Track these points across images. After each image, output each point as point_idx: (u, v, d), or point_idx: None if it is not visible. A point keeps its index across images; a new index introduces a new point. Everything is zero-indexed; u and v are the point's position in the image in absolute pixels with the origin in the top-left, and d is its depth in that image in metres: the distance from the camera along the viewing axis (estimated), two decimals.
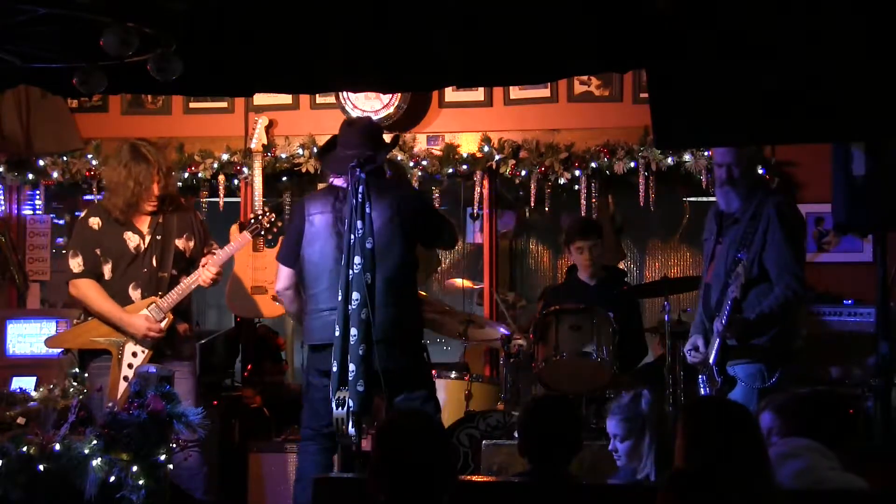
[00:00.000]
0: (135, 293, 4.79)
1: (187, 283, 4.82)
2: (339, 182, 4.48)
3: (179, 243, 4.87)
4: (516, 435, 3.81)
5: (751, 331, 4.40)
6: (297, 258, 4.48)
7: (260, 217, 5.05)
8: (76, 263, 4.81)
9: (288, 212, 5.86)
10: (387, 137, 4.77)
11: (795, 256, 4.47)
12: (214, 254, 4.92)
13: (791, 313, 4.51)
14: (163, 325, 4.75)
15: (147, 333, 4.71)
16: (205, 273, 4.82)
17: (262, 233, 5.04)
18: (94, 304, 4.79)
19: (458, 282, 6.39)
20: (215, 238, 5.14)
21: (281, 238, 5.01)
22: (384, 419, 3.76)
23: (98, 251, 4.81)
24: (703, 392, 4.60)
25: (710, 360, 4.47)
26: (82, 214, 5.00)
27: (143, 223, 4.85)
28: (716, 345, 4.43)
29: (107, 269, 4.81)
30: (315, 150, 6.16)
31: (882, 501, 3.38)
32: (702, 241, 4.88)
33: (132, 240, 4.81)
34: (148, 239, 4.82)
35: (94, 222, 4.85)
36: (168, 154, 4.99)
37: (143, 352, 4.74)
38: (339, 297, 4.13)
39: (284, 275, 4.56)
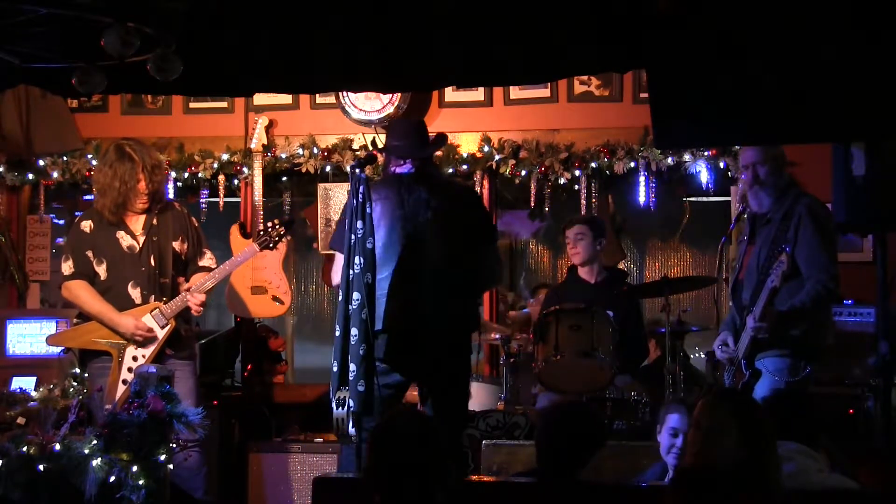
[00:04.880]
0: (134, 291, 4.80)
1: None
2: (401, 169, 4.44)
3: (176, 245, 4.89)
4: (536, 437, 3.75)
5: (782, 323, 4.40)
6: None
7: (269, 229, 4.96)
8: (67, 267, 4.84)
9: (289, 218, 5.79)
10: None
11: (827, 253, 4.49)
12: (211, 268, 4.91)
13: (823, 309, 4.54)
14: (164, 331, 4.76)
15: (135, 333, 4.71)
16: (194, 297, 4.80)
17: (271, 246, 4.98)
18: (86, 304, 4.81)
19: None
20: (216, 237, 5.14)
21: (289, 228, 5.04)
22: (379, 420, 3.75)
23: (90, 253, 4.83)
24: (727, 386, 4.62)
25: (740, 354, 4.50)
26: (78, 218, 5.01)
27: (136, 223, 4.86)
28: (747, 339, 4.45)
29: (101, 270, 4.82)
30: (315, 150, 6.17)
31: (881, 501, 3.38)
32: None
33: (125, 239, 4.83)
34: (142, 239, 4.82)
35: (86, 225, 4.87)
36: (157, 153, 4.96)
37: (143, 356, 4.74)
38: (340, 297, 4.13)
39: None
